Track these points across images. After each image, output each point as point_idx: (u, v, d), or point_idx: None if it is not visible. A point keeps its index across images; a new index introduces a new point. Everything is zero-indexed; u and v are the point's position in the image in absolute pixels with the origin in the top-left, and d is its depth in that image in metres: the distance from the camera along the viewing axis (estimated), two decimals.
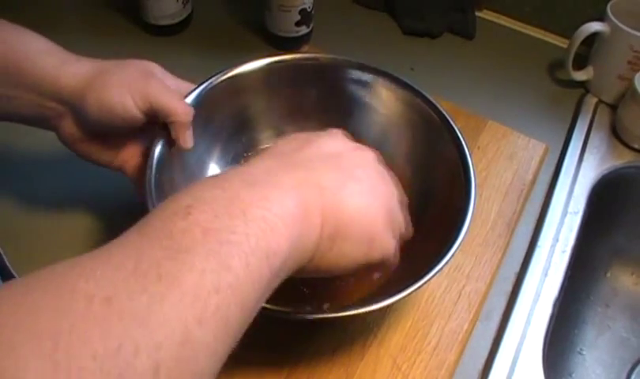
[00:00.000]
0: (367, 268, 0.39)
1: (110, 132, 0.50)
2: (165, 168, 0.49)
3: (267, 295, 0.31)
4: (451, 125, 0.54)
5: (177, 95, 0.49)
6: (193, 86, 0.54)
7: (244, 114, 0.59)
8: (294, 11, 0.76)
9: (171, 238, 0.27)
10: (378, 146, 0.57)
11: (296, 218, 0.32)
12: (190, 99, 0.53)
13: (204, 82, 0.54)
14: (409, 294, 0.43)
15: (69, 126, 0.49)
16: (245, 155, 0.60)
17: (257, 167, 0.35)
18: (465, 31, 0.85)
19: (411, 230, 0.43)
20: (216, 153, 0.58)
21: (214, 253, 0.27)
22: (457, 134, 0.53)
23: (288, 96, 0.60)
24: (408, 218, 0.43)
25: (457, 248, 0.45)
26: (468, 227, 0.47)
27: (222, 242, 0.27)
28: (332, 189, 0.35)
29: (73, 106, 0.47)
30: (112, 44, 0.80)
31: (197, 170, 0.55)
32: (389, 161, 0.57)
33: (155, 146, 0.49)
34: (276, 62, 0.58)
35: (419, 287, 0.43)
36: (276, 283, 0.31)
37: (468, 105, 0.72)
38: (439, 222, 0.51)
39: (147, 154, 0.49)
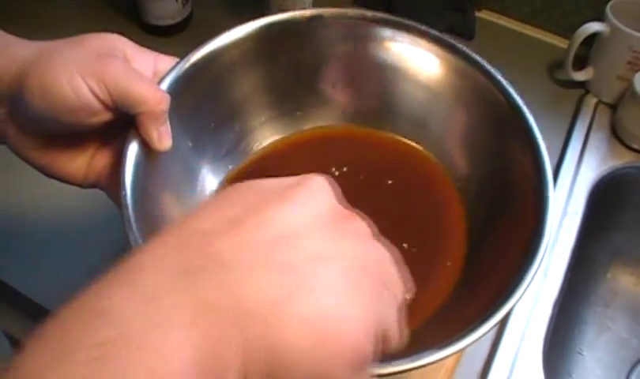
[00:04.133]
0: None
1: (69, 132, 0.37)
2: (146, 178, 0.38)
3: None
4: (522, 111, 0.42)
5: (145, 78, 0.38)
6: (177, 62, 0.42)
7: (236, 95, 0.47)
8: None
9: None
10: (420, 128, 0.47)
11: None
12: (166, 83, 0.41)
13: (187, 55, 0.43)
14: (471, 343, 0.33)
15: (16, 132, 0.37)
16: (239, 146, 0.48)
17: (135, 288, 0.21)
18: (465, 31, 0.85)
19: (403, 341, 0.27)
20: (206, 147, 0.46)
21: None
22: (530, 125, 0.41)
23: (291, 68, 0.48)
24: (404, 324, 0.27)
25: (525, 290, 0.36)
26: (540, 262, 0.37)
27: None
28: (264, 315, 0.22)
29: (14, 102, 0.36)
30: None
31: (185, 174, 0.45)
32: (435, 148, 0.47)
33: (127, 149, 0.38)
34: (271, 25, 0.46)
35: (482, 336, 0.34)
36: None
37: None
38: (501, 239, 0.41)
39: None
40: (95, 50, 0.36)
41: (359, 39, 0.47)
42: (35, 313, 0.55)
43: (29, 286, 0.56)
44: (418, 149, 0.48)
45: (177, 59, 0.43)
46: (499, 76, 0.44)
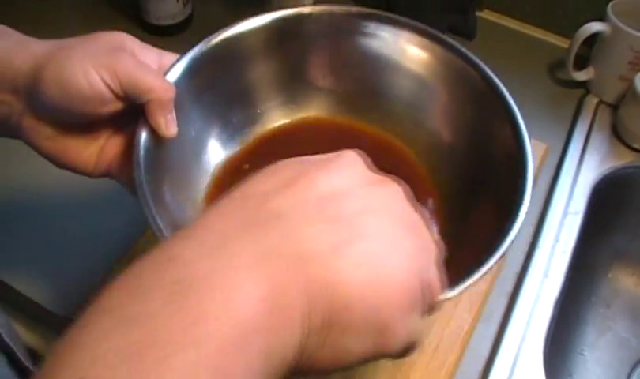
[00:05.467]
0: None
1: (82, 121, 0.40)
2: (157, 162, 0.42)
3: None
4: (503, 94, 0.46)
5: (152, 70, 0.41)
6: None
7: (244, 83, 0.51)
8: None
9: None
10: (410, 113, 0.52)
11: (259, 326, 0.22)
12: (173, 74, 0.44)
13: (189, 51, 0.47)
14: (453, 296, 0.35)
15: (30, 123, 0.40)
16: (246, 130, 0.52)
17: (204, 239, 0.24)
18: (466, 31, 0.85)
19: (444, 295, 0.30)
20: (214, 130, 0.50)
21: None
22: (510, 106, 0.46)
23: (296, 59, 0.52)
24: (444, 278, 0.30)
25: (505, 250, 0.38)
26: (518, 231, 0.39)
27: None
28: (320, 255, 0.24)
29: (30, 94, 0.38)
30: None
31: (195, 157, 0.49)
32: (422, 129, 0.51)
33: (139, 134, 0.41)
34: (278, 19, 0.50)
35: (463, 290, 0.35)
36: None
37: None
38: (487, 206, 0.45)
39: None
40: (106, 46, 0.39)
41: (347, 33, 0.52)
42: (38, 315, 0.55)
43: (29, 287, 0.56)
44: (387, 135, 0.53)
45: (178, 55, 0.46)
46: (477, 60, 0.48)
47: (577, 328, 0.72)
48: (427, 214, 0.30)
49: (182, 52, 0.46)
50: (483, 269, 0.36)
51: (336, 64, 0.53)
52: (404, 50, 0.51)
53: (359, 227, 0.26)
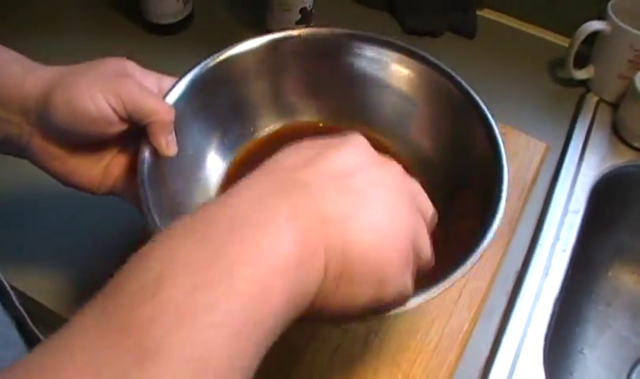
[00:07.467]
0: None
1: (88, 142, 0.43)
2: (160, 177, 0.44)
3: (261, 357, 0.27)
4: (476, 102, 0.50)
5: (154, 93, 0.44)
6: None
7: (237, 102, 0.55)
8: (294, 10, 0.76)
9: (137, 332, 0.23)
10: (396, 126, 0.56)
11: (294, 262, 0.27)
12: (172, 96, 0.47)
13: (185, 75, 0.50)
14: (435, 295, 0.38)
15: (39, 143, 0.42)
16: (241, 144, 0.56)
17: (247, 195, 0.29)
18: (466, 30, 0.85)
19: (432, 261, 0.35)
20: (212, 146, 0.54)
21: (190, 347, 0.23)
22: (483, 111, 0.50)
23: (289, 77, 0.56)
24: (430, 246, 0.35)
25: (488, 244, 0.41)
26: (499, 223, 0.42)
27: (200, 328, 0.23)
28: (338, 220, 0.30)
29: (40, 116, 0.41)
30: (112, 43, 0.80)
31: (195, 169, 0.52)
32: (407, 142, 0.55)
33: (142, 154, 0.44)
34: (268, 42, 0.54)
35: (449, 286, 0.39)
36: (270, 343, 0.27)
37: None
38: (467, 211, 0.48)
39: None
40: (111, 71, 0.43)
41: (332, 53, 0.56)
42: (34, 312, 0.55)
43: (28, 285, 0.56)
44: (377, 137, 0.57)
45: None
46: (455, 74, 0.52)
47: (578, 326, 0.73)
48: (419, 186, 0.36)
49: (180, 76, 0.49)
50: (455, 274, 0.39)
51: (323, 82, 0.57)
52: (387, 67, 0.55)
53: (365, 198, 0.31)
